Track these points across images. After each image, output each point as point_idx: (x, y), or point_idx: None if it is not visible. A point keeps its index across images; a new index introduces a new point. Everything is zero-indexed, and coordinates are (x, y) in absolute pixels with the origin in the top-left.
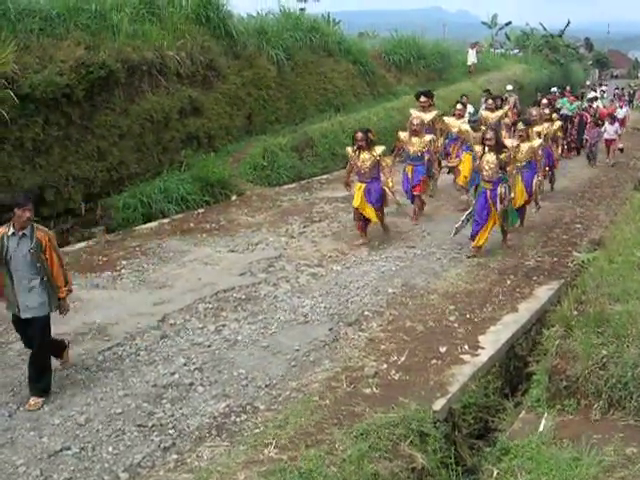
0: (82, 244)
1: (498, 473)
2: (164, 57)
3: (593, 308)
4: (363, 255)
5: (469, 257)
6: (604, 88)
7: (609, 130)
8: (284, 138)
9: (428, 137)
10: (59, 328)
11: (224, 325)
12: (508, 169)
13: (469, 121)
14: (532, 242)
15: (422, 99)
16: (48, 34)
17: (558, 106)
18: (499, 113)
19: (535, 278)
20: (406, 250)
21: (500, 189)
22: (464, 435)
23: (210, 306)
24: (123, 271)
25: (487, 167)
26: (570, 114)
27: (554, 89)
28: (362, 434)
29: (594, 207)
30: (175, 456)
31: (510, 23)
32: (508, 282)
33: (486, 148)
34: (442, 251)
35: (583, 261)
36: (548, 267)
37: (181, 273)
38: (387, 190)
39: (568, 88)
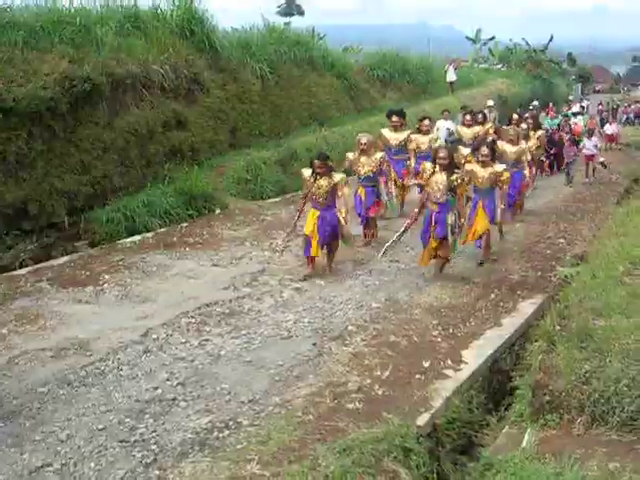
0: (65, 258)
1: None
2: (148, 71)
3: (576, 323)
4: (347, 269)
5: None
6: (585, 103)
7: (587, 145)
8: (268, 152)
9: (378, 155)
10: (40, 343)
11: (207, 340)
12: (458, 192)
13: (446, 141)
14: (516, 256)
15: (394, 118)
16: (32, 47)
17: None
18: (476, 129)
19: (519, 292)
20: (390, 264)
21: (449, 218)
22: (448, 450)
23: (193, 320)
24: (106, 285)
25: (435, 187)
26: (550, 130)
27: (535, 103)
28: (345, 449)
29: (577, 222)
30: (157, 472)
31: (494, 38)
32: (492, 296)
33: (437, 167)
34: (426, 266)
35: (566, 276)
36: (532, 281)
37: (164, 287)
38: (341, 219)
39: (550, 105)
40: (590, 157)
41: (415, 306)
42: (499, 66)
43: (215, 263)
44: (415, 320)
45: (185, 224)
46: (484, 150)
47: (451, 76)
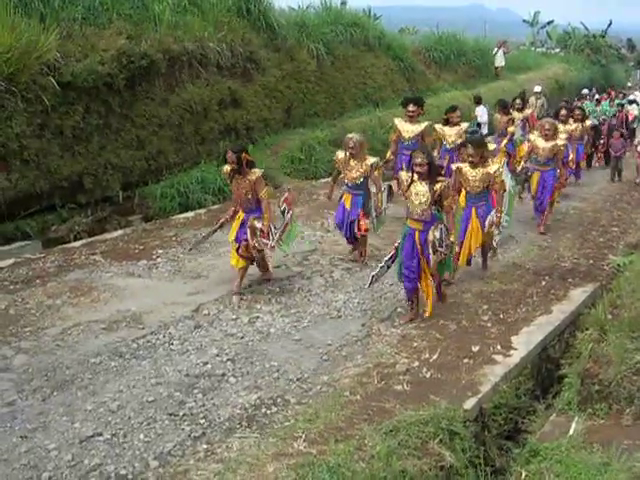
0: (119, 232)
1: (526, 475)
2: (205, 48)
3: (628, 312)
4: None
5: (402, 324)
6: None
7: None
8: (322, 132)
9: (370, 161)
10: (93, 315)
11: (257, 317)
12: (445, 204)
13: (466, 132)
14: (568, 244)
15: (410, 107)
16: (91, 23)
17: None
18: (516, 116)
19: (570, 280)
20: None
21: (431, 234)
22: (493, 435)
23: (244, 297)
24: (159, 260)
25: (416, 201)
26: (598, 120)
27: (585, 91)
28: (391, 431)
29: (632, 210)
30: (205, 446)
31: (552, 22)
32: (543, 283)
33: (415, 175)
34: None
35: (619, 264)
36: (584, 269)
37: (216, 264)
38: (377, 202)
39: (610, 90)
40: None
41: (465, 291)
42: (557, 50)
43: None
44: (465, 304)
45: None
46: (469, 149)
47: (500, 60)
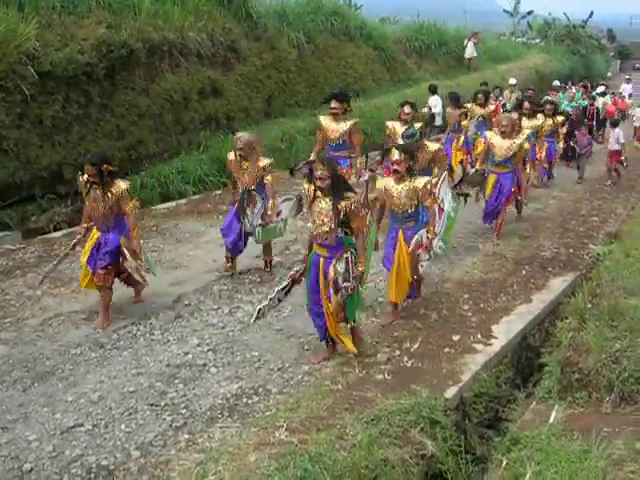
0: None
1: (507, 463)
2: (185, 38)
3: (607, 301)
4: (378, 242)
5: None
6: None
7: (612, 138)
8: (303, 122)
9: (263, 162)
10: (74, 306)
11: (238, 307)
12: (353, 226)
13: (403, 135)
14: (548, 233)
15: (333, 104)
16: (70, 12)
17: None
18: (479, 110)
19: (550, 269)
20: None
21: (332, 269)
22: (474, 424)
23: (225, 288)
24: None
25: (318, 220)
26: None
27: (556, 82)
28: (373, 420)
29: (611, 200)
30: (186, 436)
31: (532, 12)
32: (523, 272)
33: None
34: (457, 239)
35: (599, 254)
36: (564, 259)
37: (197, 254)
38: (124, 249)
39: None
40: (612, 155)
41: (446, 280)
42: (537, 40)
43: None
44: (446, 294)
45: (219, 192)
46: (395, 155)
47: (470, 52)
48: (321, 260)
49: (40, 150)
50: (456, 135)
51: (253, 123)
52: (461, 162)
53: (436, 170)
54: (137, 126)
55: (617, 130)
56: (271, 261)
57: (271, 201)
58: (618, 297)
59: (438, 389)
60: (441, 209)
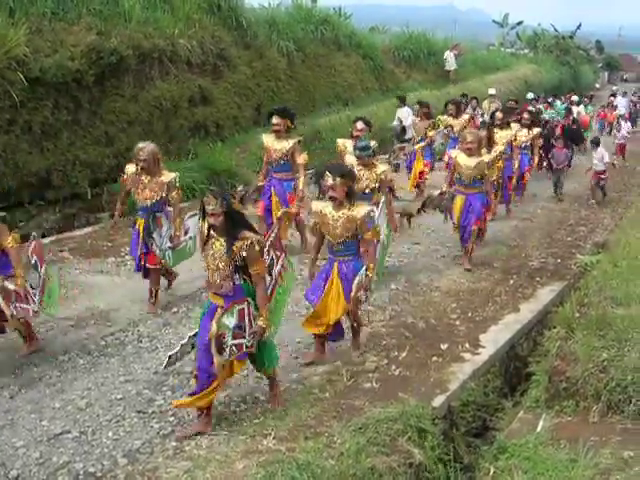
0: (88, 229)
1: (495, 472)
2: (175, 45)
3: (595, 311)
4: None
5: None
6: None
7: (596, 156)
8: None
9: (168, 177)
10: (63, 312)
11: None
12: (252, 271)
13: (355, 147)
14: (536, 243)
15: (274, 120)
16: (60, 18)
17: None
18: (452, 122)
19: (538, 279)
20: (410, 246)
21: (214, 325)
22: (462, 433)
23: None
24: (127, 257)
25: (212, 265)
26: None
27: (531, 95)
28: (360, 428)
29: (599, 210)
30: (174, 443)
31: (521, 22)
32: (511, 282)
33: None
34: (446, 249)
35: (587, 264)
36: (551, 268)
37: (184, 262)
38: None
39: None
40: (596, 174)
41: (434, 289)
42: (526, 51)
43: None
44: (434, 303)
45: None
46: (329, 179)
47: (451, 64)
48: (218, 311)
49: (29, 156)
50: (420, 147)
51: (242, 131)
52: (417, 186)
53: (380, 197)
54: (126, 133)
55: (600, 149)
56: (157, 291)
57: (178, 220)
58: (606, 307)
59: (426, 398)
60: (378, 239)
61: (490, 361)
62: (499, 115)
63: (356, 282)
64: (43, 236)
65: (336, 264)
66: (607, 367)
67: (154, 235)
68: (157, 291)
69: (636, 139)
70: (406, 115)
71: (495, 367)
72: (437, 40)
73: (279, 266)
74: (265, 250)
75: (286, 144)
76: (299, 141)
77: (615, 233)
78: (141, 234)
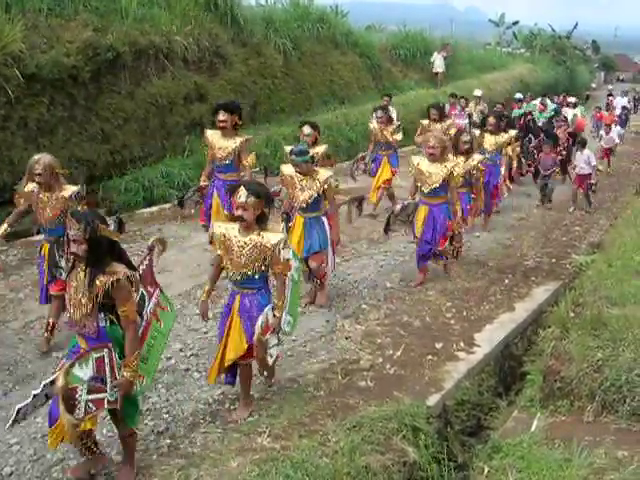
0: None
1: (489, 470)
2: (171, 42)
3: (590, 311)
4: (362, 249)
5: None
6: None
7: (579, 160)
8: (288, 128)
9: (69, 191)
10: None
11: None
12: (120, 314)
13: (291, 152)
14: (531, 242)
15: (220, 116)
16: (57, 14)
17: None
18: (435, 127)
19: (533, 278)
20: (406, 245)
21: (62, 378)
22: (456, 432)
23: None
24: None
25: (74, 299)
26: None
27: (519, 95)
28: (355, 426)
29: (594, 210)
30: (168, 441)
31: (518, 22)
32: (506, 281)
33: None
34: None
35: (582, 263)
36: (546, 268)
37: (180, 259)
38: None
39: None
40: (582, 179)
41: (429, 288)
42: (522, 51)
43: None
44: (429, 301)
45: None
46: (241, 195)
47: (439, 65)
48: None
49: (24, 152)
50: (386, 153)
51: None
52: (390, 197)
53: (327, 205)
54: (122, 130)
55: (587, 151)
56: (54, 325)
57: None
58: (601, 307)
59: (420, 396)
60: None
61: (485, 360)
62: (491, 120)
63: (259, 322)
64: (38, 232)
65: (238, 298)
66: (602, 367)
67: (61, 263)
68: (54, 326)
69: (629, 138)
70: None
71: (490, 366)
72: (434, 39)
73: (152, 304)
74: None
75: (232, 142)
76: (247, 140)
77: (610, 233)
78: (46, 262)
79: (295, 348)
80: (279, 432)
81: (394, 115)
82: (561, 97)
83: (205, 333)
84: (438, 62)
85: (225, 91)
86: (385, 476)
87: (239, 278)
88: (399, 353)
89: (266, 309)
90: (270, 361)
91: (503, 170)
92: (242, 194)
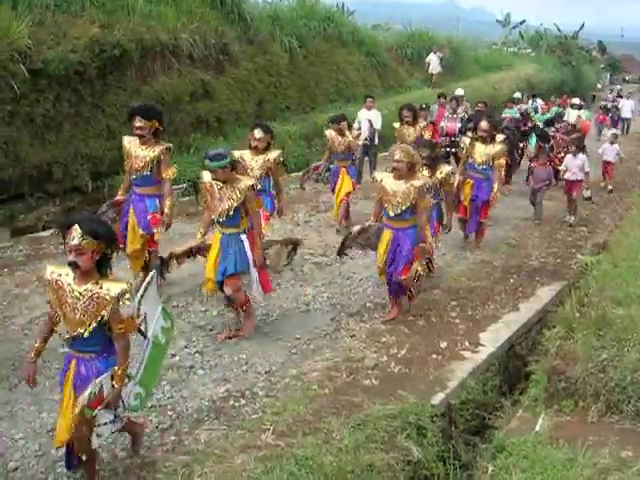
0: None
1: (493, 470)
2: (178, 39)
3: (595, 311)
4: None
5: None
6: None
7: (570, 166)
8: (294, 126)
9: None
10: None
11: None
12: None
13: (205, 155)
14: (536, 242)
15: (137, 122)
16: (63, 11)
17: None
18: (408, 131)
19: (538, 278)
20: None
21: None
22: (461, 431)
23: None
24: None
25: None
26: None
27: (518, 95)
28: (359, 425)
29: (599, 210)
30: (173, 437)
31: (524, 22)
32: (511, 281)
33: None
34: (446, 247)
35: (587, 264)
36: (551, 268)
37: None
38: None
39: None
40: (573, 185)
41: (434, 287)
42: (528, 51)
43: None
44: (433, 301)
45: None
46: (75, 237)
47: (434, 66)
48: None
49: (30, 148)
50: (343, 164)
51: (244, 126)
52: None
53: (246, 224)
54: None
55: (582, 156)
56: None
57: None
58: (606, 307)
59: (425, 395)
60: (142, 333)
61: (489, 360)
62: (484, 126)
63: (87, 391)
64: (44, 228)
65: (74, 363)
66: (606, 367)
67: None
68: None
69: (634, 138)
70: (375, 117)
71: (494, 366)
72: (439, 38)
73: (157, 325)
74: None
75: (151, 152)
76: (168, 148)
77: (615, 233)
78: None
79: (300, 346)
80: (283, 429)
81: (378, 119)
82: (563, 98)
83: (210, 330)
84: (434, 63)
85: (231, 88)
86: (389, 474)
87: (74, 339)
88: (404, 352)
89: (102, 376)
90: (95, 443)
91: (496, 186)
92: (76, 234)
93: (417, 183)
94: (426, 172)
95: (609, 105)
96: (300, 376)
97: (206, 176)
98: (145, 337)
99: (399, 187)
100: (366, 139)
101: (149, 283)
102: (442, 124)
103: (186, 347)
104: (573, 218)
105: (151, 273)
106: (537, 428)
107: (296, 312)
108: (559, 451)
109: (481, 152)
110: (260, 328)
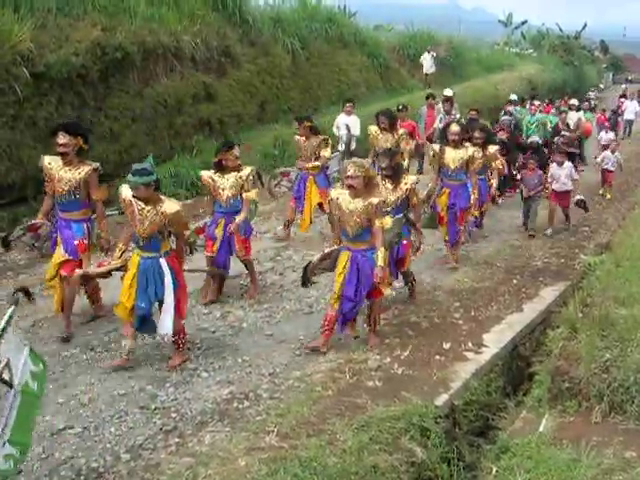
0: None
1: (497, 471)
2: (180, 42)
3: (598, 311)
4: None
5: None
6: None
7: (557, 175)
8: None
9: None
10: None
11: (229, 312)
12: None
13: (129, 172)
14: (539, 243)
15: (60, 139)
16: (65, 14)
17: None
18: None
19: (541, 279)
20: None
21: None
22: (464, 432)
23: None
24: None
25: None
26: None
27: (514, 97)
28: (363, 426)
29: (602, 210)
30: (177, 439)
31: (526, 22)
32: (514, 282)
33: None
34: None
35: (590, 264)
36: (554, 268)
37: (189, 258)
38: None
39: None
40: (561, 195)
41: (437, 288)
42: (530, 51)
43: None
44: (437, 302)
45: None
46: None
47: (428, 66)
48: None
49: (33, 151)
50: (312, 172)
51: (246, 128)
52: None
53: (166, 246)
54: (130, 129)
55: (568, 164)
56: None
57: None
58: (609, 307)
59: (428, 396)
60: (5, 383)
61: (493, 360)
62: (454, 129)
63: None
64: None
65: None
66: (610, 367)
67: None
68: None
69: (637, 138)
70: (354, 122)
71: (498, 366)
72: (441, 39)
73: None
74: None
75: (77, 174)
76: (95, 170)
77: (618, 234)
78: None
79: (303, 348)
80: (287, 431)
81: (357, 125)
82: (564, 100)
83: (213, 332)
84: (428, 62)
85: (233, 90)
86: (393, 476)
87: None
88: (407, 353)
89: None
90: None
91: (473, 198)
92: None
93: (375, 200)
94: (389, 184)
95: (608, 114)
96: (304, 378)
97: (125, 190)
98: (11, 387)
99: (356, 205)
100: (343, 145)
101: (7, 322)
102: (436, 126)
103: (189, 349)
104: (549, 230)
105: (9, 310)
106: (541, 429)
107: (299, 314)
108: (563, 452)
109: (453, 157)
110: (263, 330)
